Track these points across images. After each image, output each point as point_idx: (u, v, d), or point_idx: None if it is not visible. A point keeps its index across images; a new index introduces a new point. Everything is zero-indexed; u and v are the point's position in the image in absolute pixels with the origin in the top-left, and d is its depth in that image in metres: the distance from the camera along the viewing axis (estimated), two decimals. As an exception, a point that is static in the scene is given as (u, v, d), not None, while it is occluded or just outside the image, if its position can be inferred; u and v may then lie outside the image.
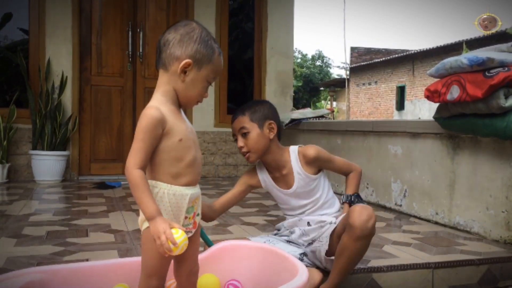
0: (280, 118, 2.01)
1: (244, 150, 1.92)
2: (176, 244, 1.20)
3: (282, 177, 1.98)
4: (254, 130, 1.90)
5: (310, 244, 1.94)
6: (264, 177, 2.03)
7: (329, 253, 1.82)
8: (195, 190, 1.37)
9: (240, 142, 1.92)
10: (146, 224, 1.30)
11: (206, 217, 1.91)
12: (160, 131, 1.28)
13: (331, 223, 1.92)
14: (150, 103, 1.33)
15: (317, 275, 1.84)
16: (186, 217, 1.36)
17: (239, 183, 2.06)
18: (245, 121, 1.91)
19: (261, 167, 2.04)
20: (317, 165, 1.97)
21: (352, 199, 1.97)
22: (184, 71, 1.33)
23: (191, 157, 1.35)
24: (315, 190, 1.97)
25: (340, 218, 1.87)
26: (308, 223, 1.97)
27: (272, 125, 1.93)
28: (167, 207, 1.31)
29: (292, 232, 2.02)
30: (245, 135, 1.90)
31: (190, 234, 1.39)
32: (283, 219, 2.11)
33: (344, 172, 2.06)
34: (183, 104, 1.39)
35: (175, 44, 1.34)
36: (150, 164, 1.31)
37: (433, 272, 2.07)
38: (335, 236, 1.80)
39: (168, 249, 1.21)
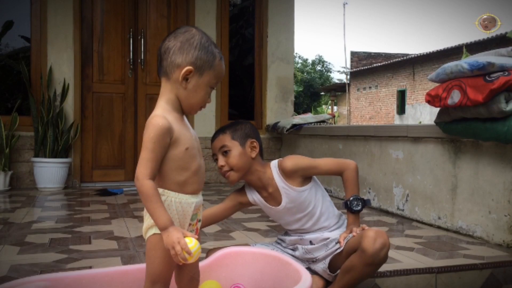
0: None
1: (225, 169, 1.84)
2: (191, 253, 1.22)
3: (270, 195, 1.92)
4: (235, 149, 1.83)
5: (314, 261, 1.90)
6: (254, 197, 1.97)
7: (331, 268, 1.82)
8: (199, 198, 1.39)
9: (221, 161, 1.84)
10: (151, 232, 1.31)
11: None
12: (168, 140, 1.29)
13: (336, 239, 1.86)
14: (155, 111, 1.32)
15: (320, 283, 1.84)
16: (190, 224, 1.37)
17: (229, 199, 2.01)
18: (226, 139, 1.84)
19: (250, 187, 1.98)
20: (300, 175, 1.89)
21: (349, 204, 1.85)
22: (185, 78, 1.33)
23: (197, 165, 1.36)
24: (306, 202, 1.88)
25: (346, 238, 1.79)
26: (311, 242, 1.91)
27: (254, 144, 1.87)
28: (174, 214, 1.32)
29: (295, 249, 1.97)
30: (226, 153, 1.84)
31: None
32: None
33: (335, 173, 1.94)
34: (186, 111, 1.39)
35: (175, 51, 1.33)
36: (160, 172, 1.32)
37: (436, 276, 2.07)
38: (344, 254, 1.76)
39: (183, 258, 1.22)
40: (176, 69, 1.33)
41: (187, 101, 1.36)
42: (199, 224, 1.42)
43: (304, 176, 1.91)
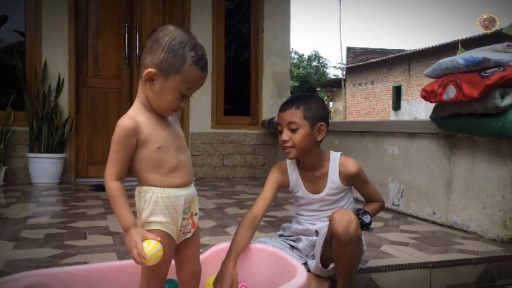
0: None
1: (287, 144, 1.82)
2: (145, 258, 1.21)
3: (313, 178, 1.91)
4: (304, 128, 1.80)
5: (313, 258, 1.88)
6: (293, 176, 1.94)
7: (326, 261, 1.79)
8: (190, 191, 1.37)
9: (286, 135, 1.81)
10: (147, 227, 1.31)
11: (251, 233, 1.81)
12: (133, 141, 1.28)
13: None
14: (128, 111, 1.32)
15: (326, 283, 1.82)
16: (184, 218, 1.36)
17: (271, 185, 1.94)
18: (298, 116, 1.80)
19: (293, 164, 1.95)
20: (350, 182, 1.92)
21: (358, 211, 1.83)
22: (151, 79, 1.29)
23: (174, 162, 1.33)
24: (340, 200, 1.91)
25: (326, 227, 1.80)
26: (316, 232, 1.89)
27: (322, 127, 1.85)
28: (163, 210, 1.31)
29: (298, 240, 1.95)
30: (293, 130, 1.81)
31: (189, 235, 1.39)
32: (282, 220, 2.09)
33: (370, 199, 2.00)
34: (158, 112, 1.34)
35: (146, 51, 1.31)
36: (136, 172, 1.32)
37: (431, 271, 2.08)
38: (328, 244, 1.75)
39: (139, 262, 1.23)
40: (143, 69, 1.30)
41: (154, 103, 1.33)
42: (195, 218, 1.40)
43: (350, 184, 1.94)
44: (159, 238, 1.26)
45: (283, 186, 1.98)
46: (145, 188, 1.31)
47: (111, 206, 1.27)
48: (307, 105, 1.82)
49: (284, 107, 1.85)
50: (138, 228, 1.27)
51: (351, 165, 1.89)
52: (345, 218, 1.64)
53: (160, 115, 1.35)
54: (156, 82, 1.29)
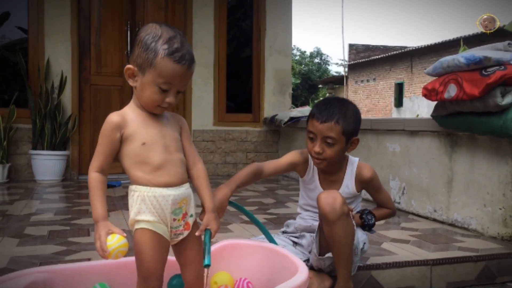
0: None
1: (320, 157, 1.78)
2: (107, 252, 1.23)
3: (328, 181, 1.91)
4: (340, 144, 1.77)
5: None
6: (312, 170, 1.93)
7: (323, 251, 1.80)
8: (180, 191, 1.34)
9: (319, 147, 1.77)
10: (136, 226, 1.30)
11: (252, 178, 1.84)
12: (117, 135, 1.30)
13: None
14: (122, 109, 1.36)
15: (327, 281, 1.84)
16: (174, 219, 1.34)
17: (286, 161, 1.92)
18: (337, 131, 1.75)
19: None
20: (364, 186, 1.92)
21: (362, 212, 1.87)
22: (133, 76, 1.32)
23: (159, 160, 1.32)
24: (350, 204, 1.89)
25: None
26: None
27: (355, 141, 1.83)
28: (150, 209, 1.30)
29: (302, 236, 1.96)
30: (329, 144, 1.76)
31: (181, 236, 1.38)
32: (284, 217, 2.09)
33: (382, 205, 2.00)
34: (146, 109, 1.35)
35: (131, 49, 1.35)
36: (124, 169, 1.34)
37: (431, 269, 2.09)
38: (323, 231, 1.76)
39: (102, 255, 1.24)
40: None
41: (139, 99, 1.35)
42: (190, 219, 1.38)
43: (363, 189, 1.95)
44: (125, 234, 1.28)
45: (296, 169, 1.96)
46: (133, 187, 1.33)
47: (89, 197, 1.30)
48: (347, 119, 1.77)
49: (322, 117, 1.76)
50: (106, 222, 1.28)
51: (366, 169, 1.90)
52: (331, 196, 1.67)
53: (151, 113, 1.36)
54: (137, 78, 1.32)
